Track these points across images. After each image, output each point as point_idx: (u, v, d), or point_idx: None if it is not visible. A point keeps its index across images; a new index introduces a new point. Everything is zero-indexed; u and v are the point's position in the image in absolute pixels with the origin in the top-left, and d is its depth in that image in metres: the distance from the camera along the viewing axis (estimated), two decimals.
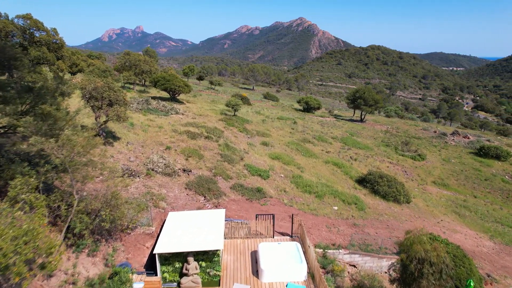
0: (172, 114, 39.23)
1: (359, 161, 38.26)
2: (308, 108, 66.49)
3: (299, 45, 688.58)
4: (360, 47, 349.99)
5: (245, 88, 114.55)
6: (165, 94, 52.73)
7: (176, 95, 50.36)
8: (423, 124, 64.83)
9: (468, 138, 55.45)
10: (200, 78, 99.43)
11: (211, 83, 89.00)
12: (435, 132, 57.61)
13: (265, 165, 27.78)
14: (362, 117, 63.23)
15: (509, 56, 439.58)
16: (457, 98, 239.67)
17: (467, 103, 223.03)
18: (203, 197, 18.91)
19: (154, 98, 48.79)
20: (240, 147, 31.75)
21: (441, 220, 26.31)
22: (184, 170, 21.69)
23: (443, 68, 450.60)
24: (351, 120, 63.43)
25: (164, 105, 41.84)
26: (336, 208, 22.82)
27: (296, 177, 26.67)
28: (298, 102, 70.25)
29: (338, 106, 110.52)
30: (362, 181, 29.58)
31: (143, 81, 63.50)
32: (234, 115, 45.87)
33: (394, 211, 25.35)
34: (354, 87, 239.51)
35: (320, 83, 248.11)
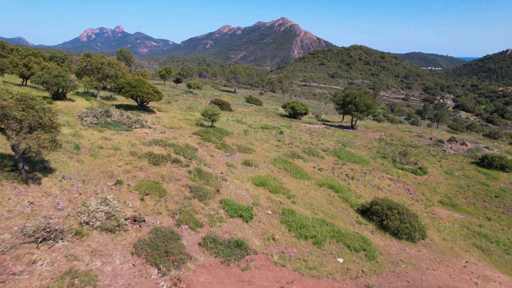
0: (136, 128, 32.75)
1: (356, 179, 33.19)
2: (294, 114, 61.24)
3: (282, 45, 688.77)
4: (342, 47, 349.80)
5: (226, 90, 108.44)
6: (134, 102, 46.04)
7: (145, 103, 43.75)
8: (416, 129, 60.84)
9: (466, 145, 51.69)
10: (178, 81, 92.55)
11: (189, 86, 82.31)
12: (431, 139, 53.56)
13: (248, 197, 22.01)
14: (353, 123, 58.53)
15: (484, 56, 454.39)
16: (438, 98, 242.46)
17: (448, 103, 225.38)
18: (156, 269, 12.93)
19: (119, 106, 42.08)
20: (217, 171, 25.84)
21: (466, 262, 21.38)
22: (135, 220, 15.63)
23: (423, 67, 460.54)
24: (341, 127, 58.62)
25: (128, 116, 35.18)
26: (341, 260, 17.36)
27: (287, 213, 21.06)
28: (284, 107, 64.89)
29: (324, 108, 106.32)
30: (366, 212, 24.34)
31: (109, 86, 56.40)
32: (212, 126, 39.87)
33: (410, 255, 20.16)
34: (337, 87, 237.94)
35: (303, 83, 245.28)
